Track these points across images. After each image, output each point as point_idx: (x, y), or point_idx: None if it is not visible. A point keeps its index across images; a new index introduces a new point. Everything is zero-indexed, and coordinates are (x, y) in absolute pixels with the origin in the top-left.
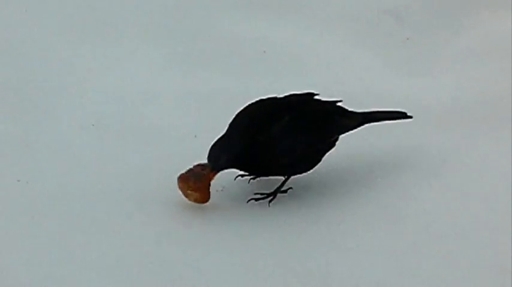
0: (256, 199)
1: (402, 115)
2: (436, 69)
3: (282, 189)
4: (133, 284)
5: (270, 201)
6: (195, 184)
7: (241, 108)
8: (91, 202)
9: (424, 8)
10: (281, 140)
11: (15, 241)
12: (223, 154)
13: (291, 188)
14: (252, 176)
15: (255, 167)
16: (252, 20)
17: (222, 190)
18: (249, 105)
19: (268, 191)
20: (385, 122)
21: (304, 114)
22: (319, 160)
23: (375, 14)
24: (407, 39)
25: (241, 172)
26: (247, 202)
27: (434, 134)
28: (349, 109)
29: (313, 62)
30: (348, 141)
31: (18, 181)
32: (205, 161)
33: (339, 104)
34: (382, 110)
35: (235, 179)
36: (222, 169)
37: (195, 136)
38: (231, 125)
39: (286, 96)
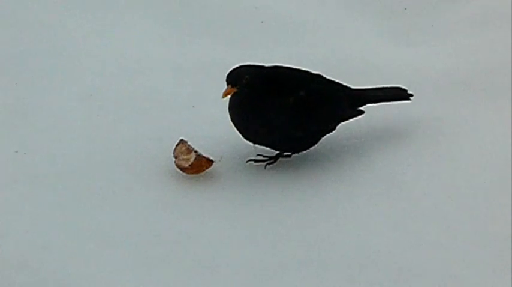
0: (256, 161)
1: (402, 95)
2: (434, 39)
3: (285, 153)
4: (131, 254)
5: (267, 164)
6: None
7: (262, 66)
8: (89, 172)
9: None
10: (290, 111)
11: (13, 212)
12: (247, 74)
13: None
14: (268, 161)
15: (253, 128)
16: None
17: (219, 160)
18: (271, 67)
19: (269, 155)
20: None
21: (318, 93)
22: (317, 142)
23: None
24: (405, 9)
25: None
26: (247, 162)
27: (432, 103)
28: (353, 88)
29: (311, 32)
30: None
31: (16, 152)
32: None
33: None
34: (383, 87)
35: (247, 162)
36: (242, 88)
37: (193, 106)
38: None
39: (302, 70)
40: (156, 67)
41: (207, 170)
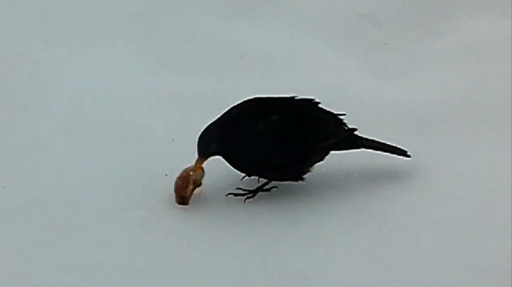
0: (235, 194)
1: (401, 152)
2: (413, 73)
3: (265, 188)
4: (114, 286)
5: (246, 198)
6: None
7: (240, 101)
8: (68, 205)
9: (401, 12)
10: (264, 138)
11: None
12: (211, 141)
13: (275, 187)
14: (247, 195)
15: (238, 161)
16: (230, 24)
17: (199, 194)
18: (247, 100)
19: (250, 189)
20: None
21: (293, 117)
22: (303, 170)
23: (353, 18)
24: (385, 43)
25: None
26: (226, 196)
27: (410, 136)
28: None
29: (290, 66)
30: None
31: None
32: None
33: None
34: (381, 142)
35: (226, 195)
36: (210, 155)
37: (173, 140)
38: (224, 113)
39: (285, 97)
40: (135, 100)
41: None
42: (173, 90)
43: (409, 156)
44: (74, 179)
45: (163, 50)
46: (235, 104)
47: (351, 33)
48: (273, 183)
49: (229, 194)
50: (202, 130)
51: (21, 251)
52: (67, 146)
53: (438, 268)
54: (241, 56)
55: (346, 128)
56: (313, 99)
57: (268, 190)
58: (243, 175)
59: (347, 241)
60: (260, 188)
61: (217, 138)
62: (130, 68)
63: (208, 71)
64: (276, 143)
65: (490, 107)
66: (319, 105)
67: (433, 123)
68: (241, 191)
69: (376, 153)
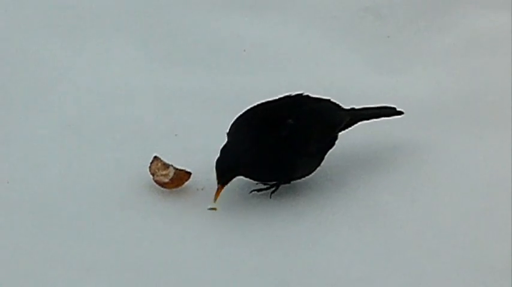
0: (259, 190)
1: (392, 111)
2: (416, 67)
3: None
4: (114, 282)
5: (272, 192)
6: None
7: (236, 117)
8: (69, 201)
9: (405, 5)
10: (292, 141)
11: None
12: (230, 166)
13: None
14: (272, 190)
15: (261, 172)
16: (232, 19)
17: (202, 189)
18: (245, 112)
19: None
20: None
21: (305, 114)
22: (320, 163)
23: (356, 12)
24: (388, 37)
25: (256, 186)
26: (250, 193)
27: (414, 131)
28: (343, 107)
29: (293, 60)
30: None
31: None
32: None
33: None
34: (372, 107)
35: (250, 193)
36: (228, 181)
37: (176, 135)
38: (231, 134)
39: (280, 99)
40: (136, 95)
41: (186, 183)
42: (176, 85)
43: (401, 113)
44: (77, 175)
45: (166, 44)
46: (239, 120)
47: (353, 27)
48: None
49: (253, 191)
50: (219, 157)
51: (23, 247)
52: (70, 142)
53: (441, 262)
54: (244, 50)
55: (344, 107)
56: (302, 93)
57: (288, 181)
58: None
59: (350, 236)
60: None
61: (237, 163)
62: (132, 63)
63: (211, 65)
64: (301, 144)
65: (495, 102)
66: (311, 96)
67: (436, 118)
68: (263, 186)
69: (379, 147)
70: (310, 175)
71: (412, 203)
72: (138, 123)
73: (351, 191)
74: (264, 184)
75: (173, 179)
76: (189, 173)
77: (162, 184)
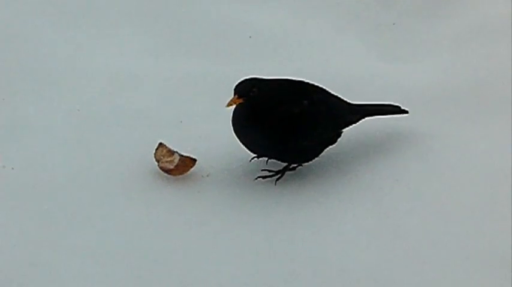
0: (264, 177)
1: (397, 109)
2: (422, 54)
3: (291, 167)
4: (119, 271)
5: (277, 179)
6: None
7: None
8: (77, 187)
9: None
10: (300, 121)
11: (0, 227)
12: (255, 87)
13: (301, 165)
14: (277, 177)
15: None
16: (238, 5)
17: (207, 176)
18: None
19: (275, 170)
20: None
21: (320, 102)
22: (321, 152)
23: None
24: (394, 24)
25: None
26: (255, 180)
27: (420, 119)
28: (350, 102)
29: (299, 47)
30: None
31: (4, 167)
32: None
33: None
34: (377, 104)
35: (255, 179)
36: (249, 99)
37: (181, 121)
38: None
39: (300, 81)
40: (143, 82)
41: (191, 170)
42: (182, 72)
43: (406, 111)
44: (82, 161)
45: (172, 31)
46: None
47: (359, 14)
48: None
49: (258, 177)
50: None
51: (27, 234)
52: (75, 128)
53: (448, 251)
54: (250, 37)
55: (353, 106)
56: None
57: (294, 168)
58: (253, 155)
59: (356, 224)
60: (287, 168)
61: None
62: (138, 50)
63: (217, 52)
64: (308, 127)
65: (501, 90)
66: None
67: (442, 105)
68: (268, 173)
69: (384, 134)
70: (311, 162)
71: (418, 190)
72: (143, 110)
73: (357, 178)
74: (269, 171)
75: (178, 166)
76: (194, 160)
77: (167, 171)
